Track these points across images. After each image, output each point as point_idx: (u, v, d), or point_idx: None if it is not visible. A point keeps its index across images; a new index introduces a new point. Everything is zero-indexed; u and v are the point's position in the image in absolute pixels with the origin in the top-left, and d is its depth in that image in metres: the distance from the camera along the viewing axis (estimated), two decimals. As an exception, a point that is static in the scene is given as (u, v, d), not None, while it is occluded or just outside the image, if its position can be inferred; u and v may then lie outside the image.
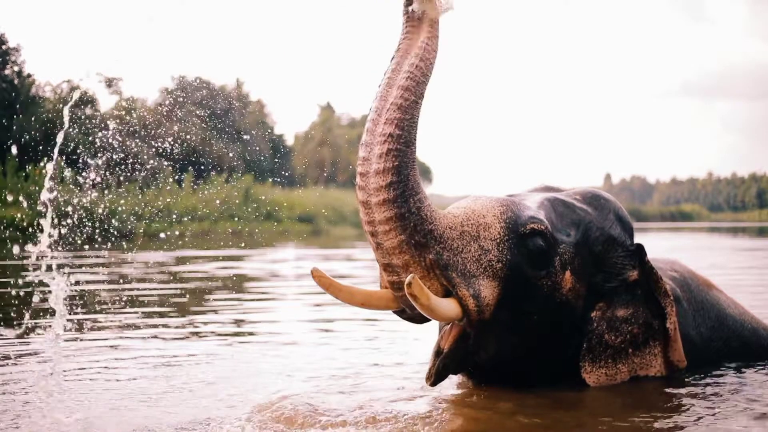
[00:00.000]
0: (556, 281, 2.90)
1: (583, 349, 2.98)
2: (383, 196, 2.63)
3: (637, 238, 3.25)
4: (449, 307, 2.71)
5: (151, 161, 35.89)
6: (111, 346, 4.37)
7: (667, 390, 3.08)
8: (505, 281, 2.80)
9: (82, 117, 37.83)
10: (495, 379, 3.04)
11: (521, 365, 2.99)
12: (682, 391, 3.08)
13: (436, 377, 2.89)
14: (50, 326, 3.28)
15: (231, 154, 46.79)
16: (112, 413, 2.87)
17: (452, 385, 3.21)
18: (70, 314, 5.64)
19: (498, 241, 2.82)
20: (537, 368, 3.01)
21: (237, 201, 31.52)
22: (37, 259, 3.20)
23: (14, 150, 26.06)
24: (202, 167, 41.05)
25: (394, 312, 2.89)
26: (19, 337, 4.60)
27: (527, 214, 2.91)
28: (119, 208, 24.35)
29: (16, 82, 35.11)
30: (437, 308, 2.66)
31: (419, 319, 2.85)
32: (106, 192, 25.76)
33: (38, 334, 4.67)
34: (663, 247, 17.86)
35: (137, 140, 37.92)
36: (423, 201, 2.70)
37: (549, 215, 3.00)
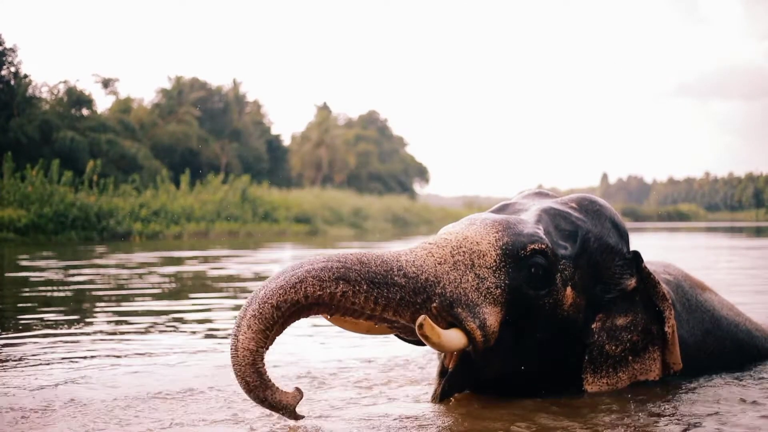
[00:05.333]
0: (558, 298, 2.88)
1: (585, 361, 2.98)
2: (382, 303, 2.60)
3: (634, 238, 3.24)
4: (457, 338, 2.71)
5: (148, 162, 35.78)
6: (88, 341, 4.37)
7: (664, 392, 3.08)
8: (506, 305, 2.78)
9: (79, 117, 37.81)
10: (497, 393, 3.03)
11: (524, 380, 2.99)
12: (679, 393, 3.09)
13: (441, 397, 2.91)
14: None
15: (227, 155, 46.80)
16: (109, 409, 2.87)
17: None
18: (62, 311, 5.65)
19: (494, 268, 2.79)
20: (539, 382, 3.01)
21: (234, 201, 31.48)
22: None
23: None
24: (199, 168, 41.04)
25: (396, 335, 2.89)
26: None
27: (527, 233, 2.87)
28: (117, 209, 24.32)
29: (12, 82, 35.03)
30: (447, 344, 2.67)
31: (420, 342, 2.84)
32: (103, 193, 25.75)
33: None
34: (660, 247, 17.88)
35: (134, 141, 37.78)
36: (399, 264, 2.67)
37: (547, 229, 2.97)
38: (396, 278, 2.63)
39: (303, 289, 2.50)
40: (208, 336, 4.87)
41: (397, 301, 2.62)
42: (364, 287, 2.57)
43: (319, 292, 2.52)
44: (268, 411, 2.72)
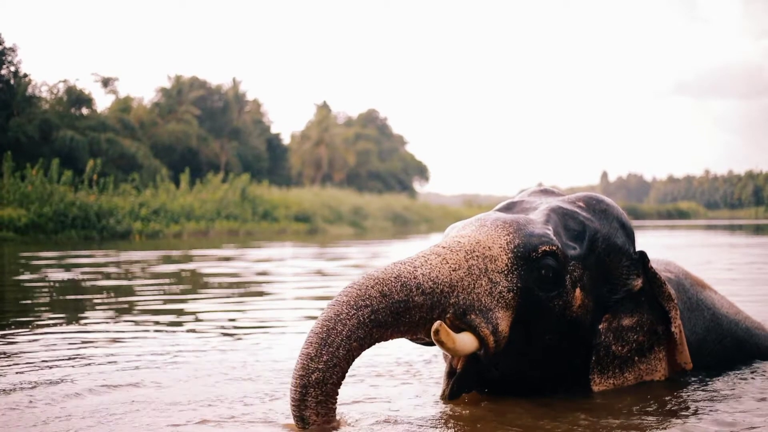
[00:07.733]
0: (567, 300, 2.89)
1: (592, 361, 2.99)
2: (404, 329, 2.66)
3: (635, 236, 3.24)
4: (471, 342, 2.73)
5: (148, 161, 35.75)
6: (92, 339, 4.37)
7: (669, 392, 3.08)
8: (517, 308, 2.79)
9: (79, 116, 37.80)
10: (504, 392, 3.04)
11: (531, 380, 3.00)
12: (683, 392, 3.09)
13: (450, 397, 2.92)
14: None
15: (227, 154, 46.79)
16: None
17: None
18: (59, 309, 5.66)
19: (506, 272, 2.79)
20: (546, 382, 3.02)
21: (234, 200, 31.48)
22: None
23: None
24: (199, 167, 41.03)
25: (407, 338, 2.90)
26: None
27: (537, 234, 2.87)
28: (116, 208, 24.32)
29: (12, 82, 35.02)
30: (461, 349, 2.70)
31: (429, 342, 2.85)
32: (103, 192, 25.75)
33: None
34: (660, 245, 17.89)
35: (134, 140, 37.73)
36: (416, 281, 2.67)
37: (557, 229, 2.96)
38: (416, 298, 2.65)
39: (351, 357, 2.58)
40: (201, 332, 4.88)
41: (416, 322, 2.66)
42: (390, 320, 2.61)
43: (360, 352, 2.61)
44: (265, 413, 2.71)
